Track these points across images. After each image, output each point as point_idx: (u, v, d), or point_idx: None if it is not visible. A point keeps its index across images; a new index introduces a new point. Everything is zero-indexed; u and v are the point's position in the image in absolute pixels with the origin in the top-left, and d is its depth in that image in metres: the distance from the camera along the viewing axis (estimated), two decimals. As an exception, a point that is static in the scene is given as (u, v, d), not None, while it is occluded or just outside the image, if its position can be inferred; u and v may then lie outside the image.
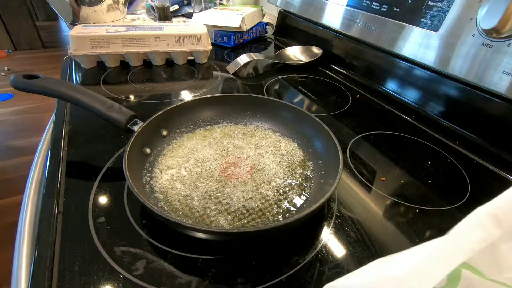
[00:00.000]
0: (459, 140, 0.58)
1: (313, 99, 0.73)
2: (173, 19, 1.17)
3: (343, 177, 0.47)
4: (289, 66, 0.88)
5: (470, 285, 0.22)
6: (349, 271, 0.23)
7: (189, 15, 1.26)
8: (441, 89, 0.62)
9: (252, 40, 1.10)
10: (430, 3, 0.58)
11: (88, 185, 0.42)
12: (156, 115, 0.47)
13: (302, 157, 0.49)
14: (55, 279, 0.31)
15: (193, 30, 0.82)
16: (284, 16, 1.14)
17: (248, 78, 0.81)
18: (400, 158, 0.53)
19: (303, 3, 0.97)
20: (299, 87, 0.78)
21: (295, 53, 0.94)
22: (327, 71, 0.89)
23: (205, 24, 0.91)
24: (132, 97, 0.68)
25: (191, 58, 0.88)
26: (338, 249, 0.36)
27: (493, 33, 0.48)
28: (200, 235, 0.33)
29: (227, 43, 1.02)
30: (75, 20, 0.98)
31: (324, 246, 0.36)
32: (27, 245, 0.39)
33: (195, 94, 0.71)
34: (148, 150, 0.46)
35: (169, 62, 0.86)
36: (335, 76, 0.86)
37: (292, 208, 0.40)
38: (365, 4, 0.73)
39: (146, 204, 0.32)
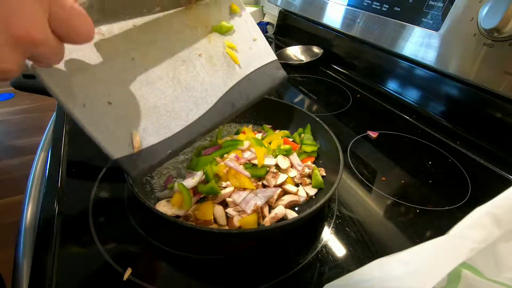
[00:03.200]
0: (460, 140, 0.58)
1: (313, 99, 0.72)
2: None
3: (343, 177, 0.47)
4: (289, 65, 0.88)
5: (470, 285, 0.22)
6: (349, 271, 0.23)
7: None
8: (442, 89, 0.62)
9: (252, 39, 1.10)
10: (431, 2, 0.58)
11: (88, 185, 0.42)
12: None
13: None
14: (55, 279, 0.31)
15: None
16: (284, 15, 1.14)
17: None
18: (401, 158, 0.53)
19: (304, 3, 0.97)
20: (300, 86, 0.78)
21: (296, 53, 0.94)
22: (327, 71, 0.89)
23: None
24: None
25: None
26: (338, 249, 0.36)
27: (494, 33, 0.47)
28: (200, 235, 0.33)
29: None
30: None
31: (325, 246, 0.36)
32: (28, 244, 0.39)
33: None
34: None
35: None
36: (336, 76, 0.86)
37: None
38: (366, 4, 0.73)
39: (146, 204, 0.32)
